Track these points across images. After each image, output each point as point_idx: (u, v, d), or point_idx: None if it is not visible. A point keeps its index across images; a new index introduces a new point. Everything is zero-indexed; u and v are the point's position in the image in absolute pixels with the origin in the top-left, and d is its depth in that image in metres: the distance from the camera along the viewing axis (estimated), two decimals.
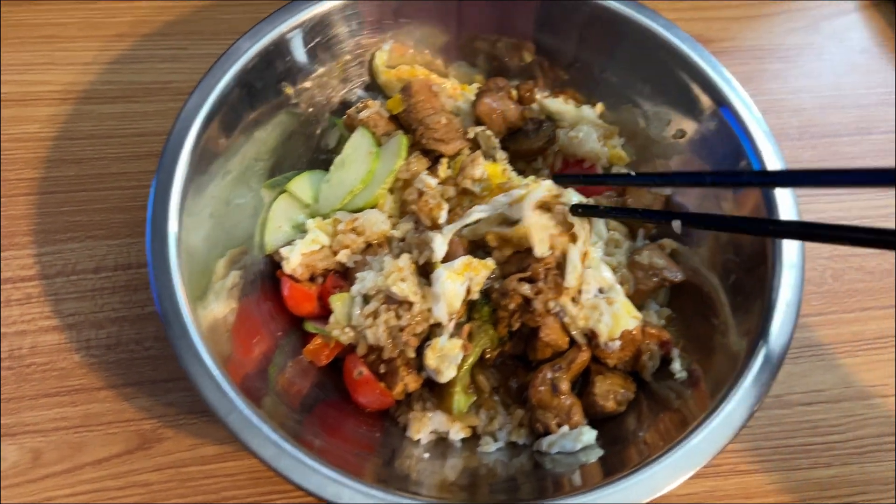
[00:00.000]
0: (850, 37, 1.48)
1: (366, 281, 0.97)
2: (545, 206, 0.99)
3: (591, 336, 0.95)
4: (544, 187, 1.00)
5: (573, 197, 1.05)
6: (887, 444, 1.09)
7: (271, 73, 1.05)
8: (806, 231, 0.73)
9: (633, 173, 1.17)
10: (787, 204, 0.96)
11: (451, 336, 0.93)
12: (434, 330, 0.95)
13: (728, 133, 1.02)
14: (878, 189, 0.74)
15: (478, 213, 1.02)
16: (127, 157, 1.21)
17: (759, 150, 0.99)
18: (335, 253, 1.03)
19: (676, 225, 0.84)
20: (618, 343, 0.95)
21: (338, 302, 0.98)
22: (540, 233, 0.95)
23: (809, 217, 1.24)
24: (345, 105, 1.17)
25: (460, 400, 0.94)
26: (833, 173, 0.68)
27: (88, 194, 1.18)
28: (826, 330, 1.18)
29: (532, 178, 1.08)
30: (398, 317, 0.93)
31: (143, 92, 1.27)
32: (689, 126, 1.09)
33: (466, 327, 0.94)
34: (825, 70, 1.43)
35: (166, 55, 1.31)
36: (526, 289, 0.92)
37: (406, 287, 0.93)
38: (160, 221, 0.90)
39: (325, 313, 1.00)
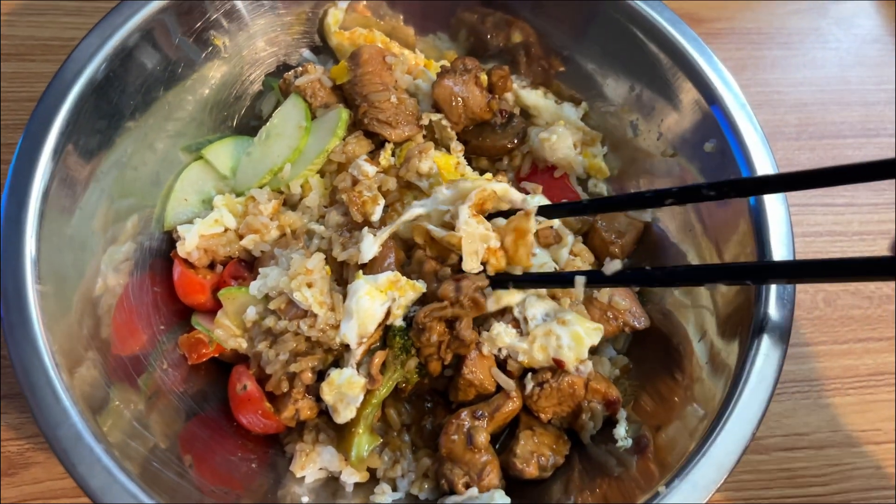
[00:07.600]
0: (861, 24, 1.27)
1: (268, 278, 0.81)
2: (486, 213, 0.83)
3: (557, 365, 0.79)
4: (496, 187, 0.83)
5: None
6: (876, 499, 0.92)
7: (194, 19, 0.88)
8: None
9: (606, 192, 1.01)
10: (779, 219, 0.80)
11: (359, 365, 0.77)
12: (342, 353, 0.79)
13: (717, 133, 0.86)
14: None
15: (418, 208, 0.85)
16: (16, 125, 1.02)
17: (751, 157, 0.83)
18: (241, 237, 0.87)
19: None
20: (590, 366, 0.79)
21: (229, 297, 0.81)
22: (473, 244, 0.78)
23: (802, 230, 1.07)
24: (286, 67, 1.00)
25: (361, 443, 0.77)
26: None
27: None
28: (813, 363, 1.00)
29: (489, 175, 0.92)
30: (297, 333, 0.78)
31: (41, 49, 1.07)
32: (672, 120, 0.92)
33: (378, 356, 0.77)
34: (830, 60, 1.24)
35: (71, 7, 1.11)
36: (448, 311, 0.75)
37: (311, 295, 0.77)
38: (21, 185, 0.74)
39: (218, 307, 0.84)
